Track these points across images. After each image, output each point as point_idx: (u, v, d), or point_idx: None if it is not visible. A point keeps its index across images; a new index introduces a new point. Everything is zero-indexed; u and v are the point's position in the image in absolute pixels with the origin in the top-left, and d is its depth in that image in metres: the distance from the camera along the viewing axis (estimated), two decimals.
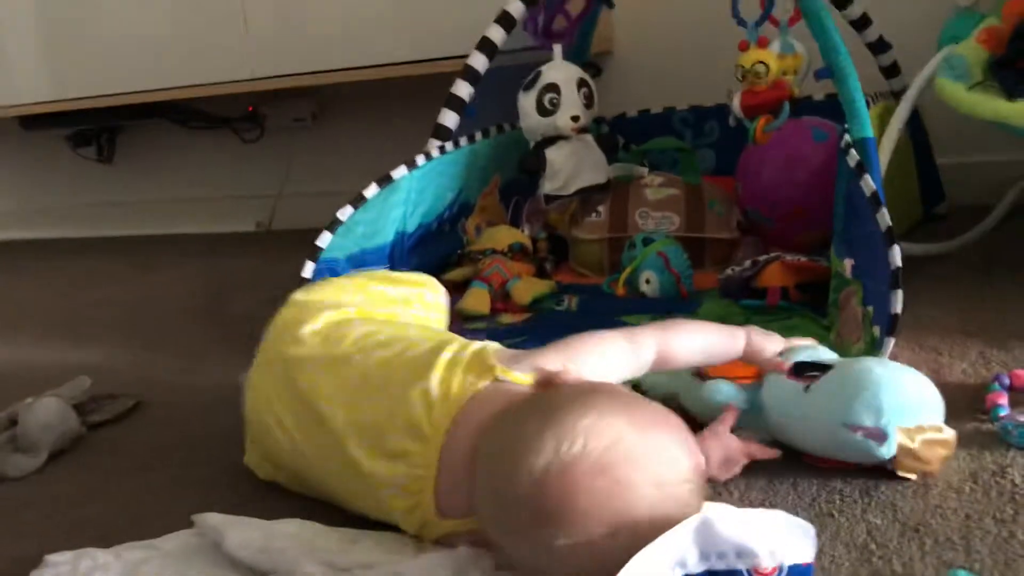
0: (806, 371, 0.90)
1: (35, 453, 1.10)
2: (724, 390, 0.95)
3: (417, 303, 1.08)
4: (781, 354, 0.95)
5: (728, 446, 0.88)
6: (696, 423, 0.90)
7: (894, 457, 0.83)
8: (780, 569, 0.64)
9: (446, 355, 0.83)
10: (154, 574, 0.79)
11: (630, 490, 0.65)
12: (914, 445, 0.83)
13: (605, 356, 0.87)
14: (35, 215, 2.95)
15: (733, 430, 0.90)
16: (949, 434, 0.85)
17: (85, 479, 1.06)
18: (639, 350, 0.89)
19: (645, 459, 0.67)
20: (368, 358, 0.87)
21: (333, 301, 0.99)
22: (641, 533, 0.63)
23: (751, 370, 0.98)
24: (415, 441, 0.78)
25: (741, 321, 1.28)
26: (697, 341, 0.93)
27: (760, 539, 0.63)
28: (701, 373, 0.99)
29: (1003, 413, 0.93)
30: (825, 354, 0.96)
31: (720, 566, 0.63)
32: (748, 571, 0.63)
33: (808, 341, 0.98)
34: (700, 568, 0.63)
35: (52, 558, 0.82)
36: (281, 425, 0.89)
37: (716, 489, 0.86)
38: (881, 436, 0.82)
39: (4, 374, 1.51)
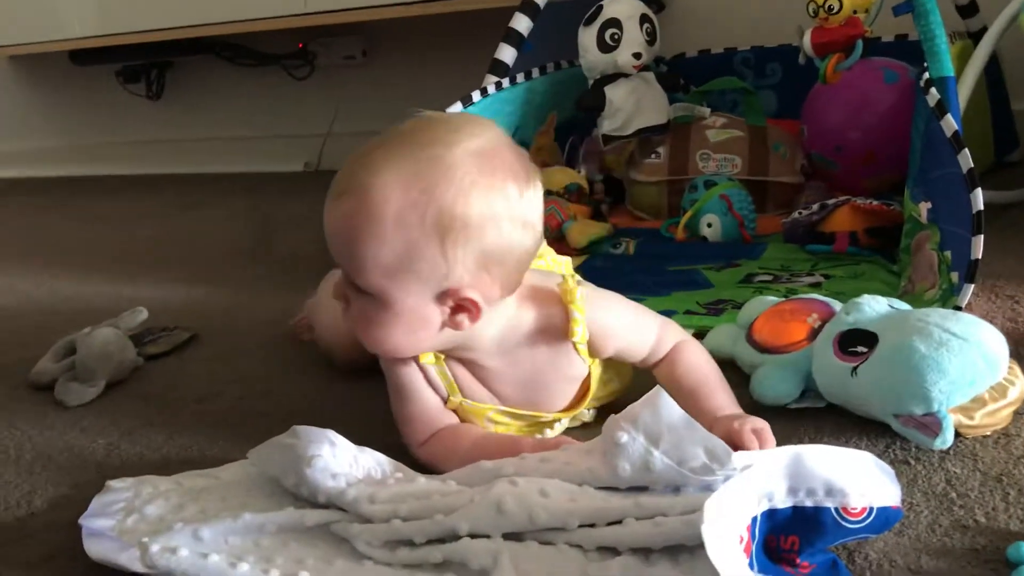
0: (851, 344, 0.85)
1: (93, 382, 1.10)
2: (774, 384, 0.89)
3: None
4: (824, 322, 0.90)
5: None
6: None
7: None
8: (869, 511, 0.61)
9: None
10: (215, 502, 0.78)
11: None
12: (974, 422, 0.79)
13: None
14: (83, 151, 2.96)
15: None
16: (1014, 394, 0.81)
17: (142, 409, 1.06)
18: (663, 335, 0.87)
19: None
20: None
21: None
22: None
23: (801, 333, 0.92)
24: None
25: (807, 267, 1.25)
26: (704, 367, 0.86)
27: (850, 478, 0.60)
28: (754, 341, 0.95)
29: None
30: (867, 308, 0.89)
31: (808, 503, 0.60)
32: (836, 510, 0.60)
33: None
34: (787, 503, 0.60)
35: (114, 484, 0.82)
36: None
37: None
38: (935, 425, 0.78)
39: (59, 306, 1.51)
